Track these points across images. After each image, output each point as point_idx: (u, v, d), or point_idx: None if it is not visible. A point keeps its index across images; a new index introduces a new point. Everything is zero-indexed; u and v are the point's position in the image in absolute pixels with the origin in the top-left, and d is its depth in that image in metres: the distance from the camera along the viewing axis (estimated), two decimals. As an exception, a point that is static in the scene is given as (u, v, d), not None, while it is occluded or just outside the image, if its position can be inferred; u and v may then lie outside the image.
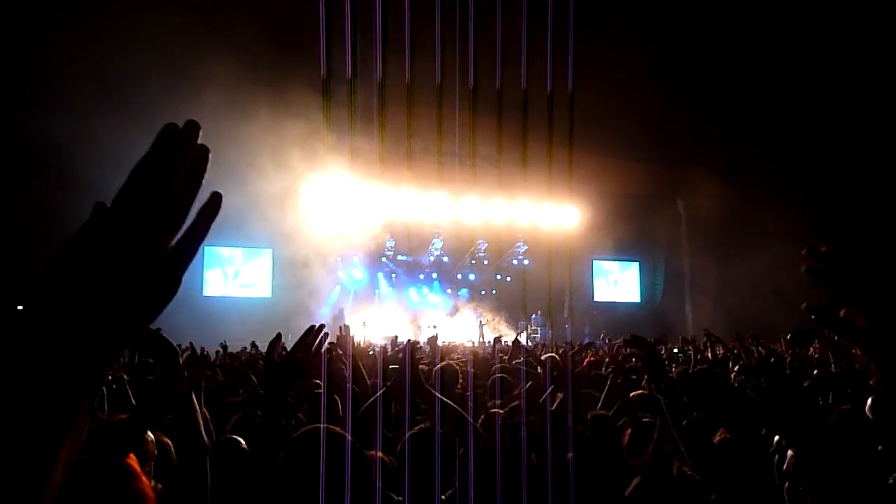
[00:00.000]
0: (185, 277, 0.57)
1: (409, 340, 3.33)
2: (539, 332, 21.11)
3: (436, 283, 23.60)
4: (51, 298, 0.53)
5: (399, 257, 22.82)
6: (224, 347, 7.50)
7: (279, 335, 1.98)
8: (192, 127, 0.58)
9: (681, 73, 18.09)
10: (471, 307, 21.84)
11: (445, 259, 23.32)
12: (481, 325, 20.11)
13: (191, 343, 7.20)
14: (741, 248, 18.64)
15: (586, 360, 6.30)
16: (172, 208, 0.57)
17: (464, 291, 23.36)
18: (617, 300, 24.96)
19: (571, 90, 13.62)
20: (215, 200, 0.59)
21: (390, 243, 21.48)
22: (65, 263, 0.55)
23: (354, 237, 18.57)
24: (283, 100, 15.57)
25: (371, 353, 8.45)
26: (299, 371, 1.91)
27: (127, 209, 0.56)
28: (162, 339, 1.85)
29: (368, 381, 3.63)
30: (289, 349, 2.02)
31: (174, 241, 0.58)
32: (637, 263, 25.44)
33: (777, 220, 17.29)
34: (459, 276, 24.15)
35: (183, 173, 0.57)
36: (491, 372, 4.48)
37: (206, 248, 20.13)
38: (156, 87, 13.79)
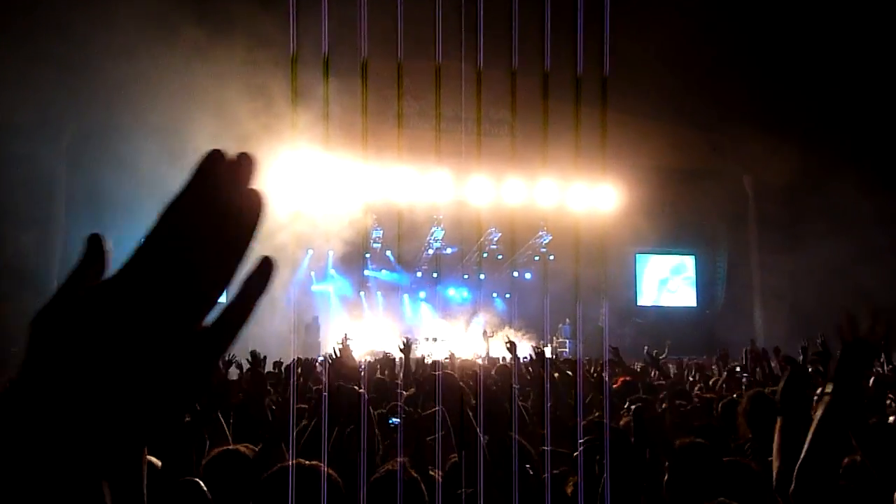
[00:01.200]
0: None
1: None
2: (567, 345, 21.19)
3: (435, 282, 23.62)
4: (35, 381, 0.48)
5: (388, 252, 22.86)
6: None
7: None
8: (248, 162, 0.56)
9: (750, 12, 18.03)
10: (476, 313, 21.94)
11: (448, 252, 23.34)
12: (486, 336, 20.27)
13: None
14: (824, 238, 18.65)
15: (619, 380, 6.33)
16: (214, 271, 0.52)
17: (468, 294, 23.44)
18: (667, 304, 25.02)
19: (607, 35, 13.58)
20: (267, 267, 0.55)
21: (377, 233, 21.60)
22: (56, 329, 0.49)
23: (330, 225, 18.64)
24: (232, 40, 15.50)
25: (362, 370, 8.73)
26: None
27: (153, 264, 0.51)
28: None
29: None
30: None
31: (210, 319, 0.53)
32: (692, 257, 25.47)
33: (870, 202, 17.28)
34: (466, 276, 24.22)
35: (231, 223, 0.54)
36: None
37: (125, 238, 20.16)
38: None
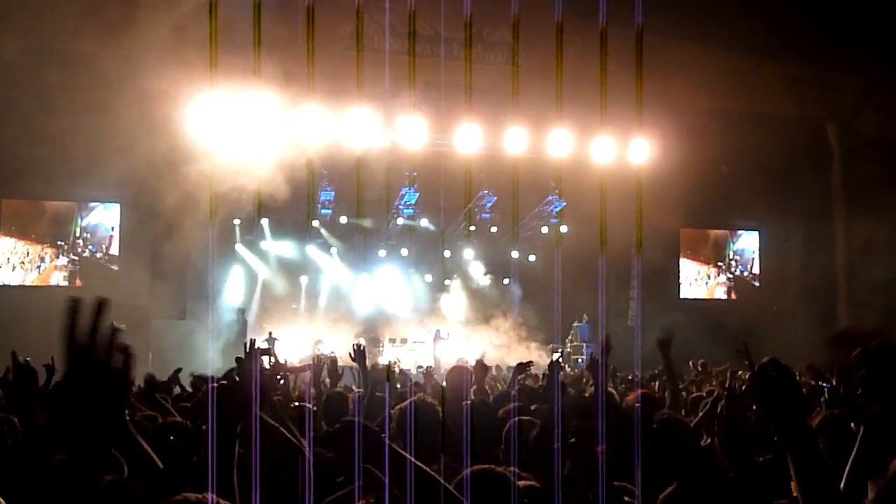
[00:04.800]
0: None
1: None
2: (585, 350, 21.42)
3: (406, 263, 23.70)
4: None
5: (342, 219, 22.88)
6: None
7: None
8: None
9: None
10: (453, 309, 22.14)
11: (424, 223, 23.40)
12: (438, 339, 20.47)
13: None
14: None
15: (632, 394, 6.56)
16: None
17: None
18: (721, 297, 25.37)
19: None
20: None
21: (327, 195, 21.66)
22: None
23: (265, 186, 18.62)
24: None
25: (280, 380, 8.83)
26: None
27: None
28: None
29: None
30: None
31: None
32: (755, 234, 25.81)
33: None
34: (448, 253, 24.31)
35: None
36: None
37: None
38: None
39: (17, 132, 17.40)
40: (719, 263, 25.97)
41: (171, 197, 17.68)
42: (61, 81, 16.54)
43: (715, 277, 25.91)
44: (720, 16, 19.25)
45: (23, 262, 20.97)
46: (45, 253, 21.15)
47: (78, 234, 21.31)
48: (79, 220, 21.39)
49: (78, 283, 20.99)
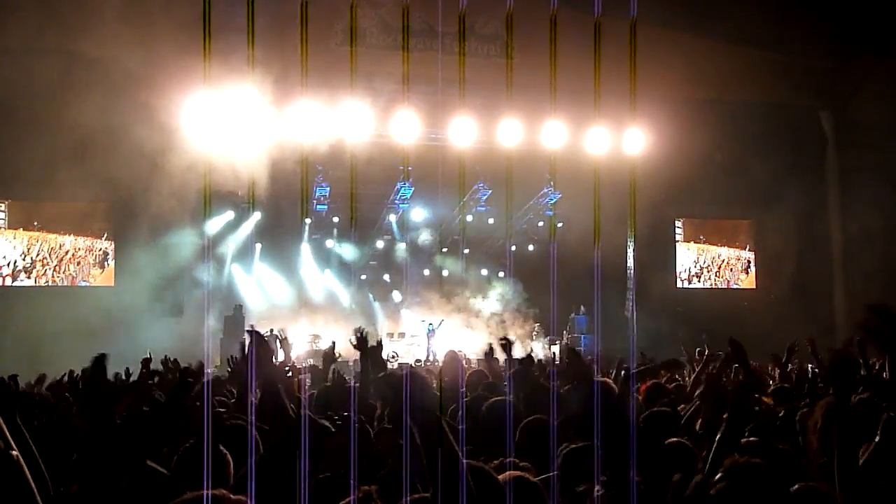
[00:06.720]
0: None
1: None
2: (582, 341, 21.48)
3: (402, 258, 23.76)
4: None
5: (335, 218, 22.92)
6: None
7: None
8: None
9: None
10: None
11: (420, 216, 23.43)
12: (432, 334, 20.53)
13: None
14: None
15: (642, 386, 6.69)
16: None
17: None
18: (716, 286, 25.42)
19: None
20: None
21: (322, 191, 21.66)
22: None
23: (258, 180, 18.66)
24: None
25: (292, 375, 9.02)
26: None
27: None
28: None
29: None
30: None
31: None
32: (748, 223, 25.85)
33: None
34: (445, 249, 24.37)
35: None
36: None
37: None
38: None
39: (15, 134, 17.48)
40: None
41: (163, 194, 17.69)
42: (60, 79, 16.62)
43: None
44: (713, 5, 19.32)
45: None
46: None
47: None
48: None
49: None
